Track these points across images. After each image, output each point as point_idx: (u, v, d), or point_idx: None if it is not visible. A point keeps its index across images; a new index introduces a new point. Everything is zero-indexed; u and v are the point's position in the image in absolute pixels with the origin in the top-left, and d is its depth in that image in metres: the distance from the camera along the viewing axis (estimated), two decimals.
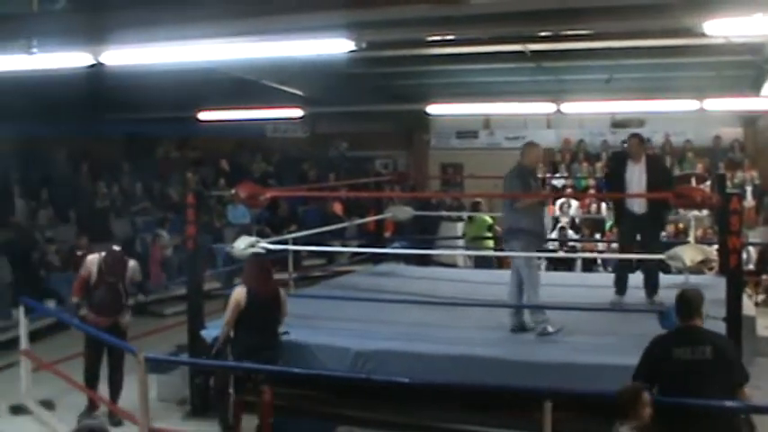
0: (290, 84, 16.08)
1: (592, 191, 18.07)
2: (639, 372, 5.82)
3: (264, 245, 9.92)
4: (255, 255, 9.28)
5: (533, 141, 9.77)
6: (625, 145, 10.39)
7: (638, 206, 9.89)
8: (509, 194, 8.93)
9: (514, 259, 8.96)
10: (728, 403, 5.49)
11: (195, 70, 12.59)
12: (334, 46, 9.22)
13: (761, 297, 14.11)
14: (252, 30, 8.94)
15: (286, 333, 8.30)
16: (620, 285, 10.05)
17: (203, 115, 18.20)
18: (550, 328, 8.50)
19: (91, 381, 8.97)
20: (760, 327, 10.43)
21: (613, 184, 10.42)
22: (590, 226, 17.23)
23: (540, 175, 9.61)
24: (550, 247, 15.96)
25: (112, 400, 8.88)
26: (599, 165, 18.77)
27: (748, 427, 5.71)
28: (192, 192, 10.00)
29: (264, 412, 7.52)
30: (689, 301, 5.85)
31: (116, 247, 9.59)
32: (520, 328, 8.81)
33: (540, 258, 15.14)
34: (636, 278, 10.13)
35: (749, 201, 16.20)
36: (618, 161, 10.59)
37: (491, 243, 15.04)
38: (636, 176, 9.86)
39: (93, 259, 9.07)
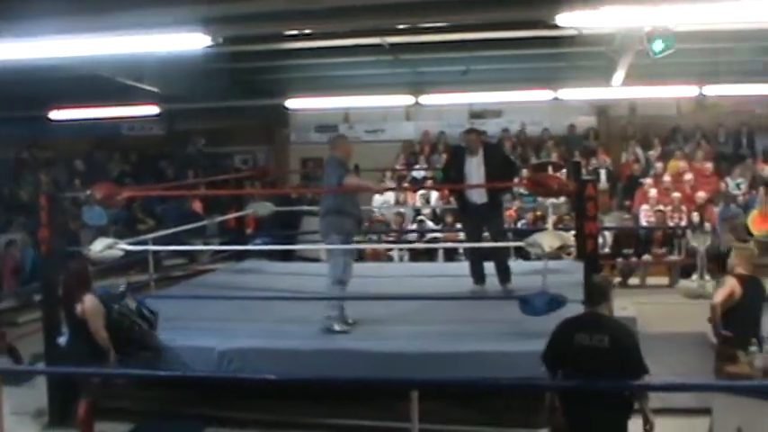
0: (146, 80, 15.73)
1: None
2: (546, 355, 5.93)
3: (123, 246, 9.65)
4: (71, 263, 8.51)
5: (343, 134, 9.81)
6: (463, 139, 10.47)
7: (477, 196, 10.01)
8: (370, 188, 8.89)
9: (333, 248, 8.79)
10: (602, 383, 5.60)
11: (45, 67, 12.18)
12: (190, 41, 9.07)
13: (617, 279, 14.56)
14: (104, 25, 8.71)
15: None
16: (478, 274, 10.17)
17: (55, 114, 17.64)
18: (337, 327, 8.46)
19: None
20: (617, 307, 10.75)
21: (451, 176, 10.47)
22: (453, 216, 17.39)
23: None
24: (409, 238, 16.11)
25: None
26: None
27: (649, 425, 5.78)
28: (45, 193, 9.62)
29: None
30: (595, 288, 5.93)
31: None
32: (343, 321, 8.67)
33: (401, 249, 15.44)
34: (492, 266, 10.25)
35: (604, 184, 16.66)
36: (456, 154, 10.70)
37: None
38: (474, 167, 9.98)
39: None
